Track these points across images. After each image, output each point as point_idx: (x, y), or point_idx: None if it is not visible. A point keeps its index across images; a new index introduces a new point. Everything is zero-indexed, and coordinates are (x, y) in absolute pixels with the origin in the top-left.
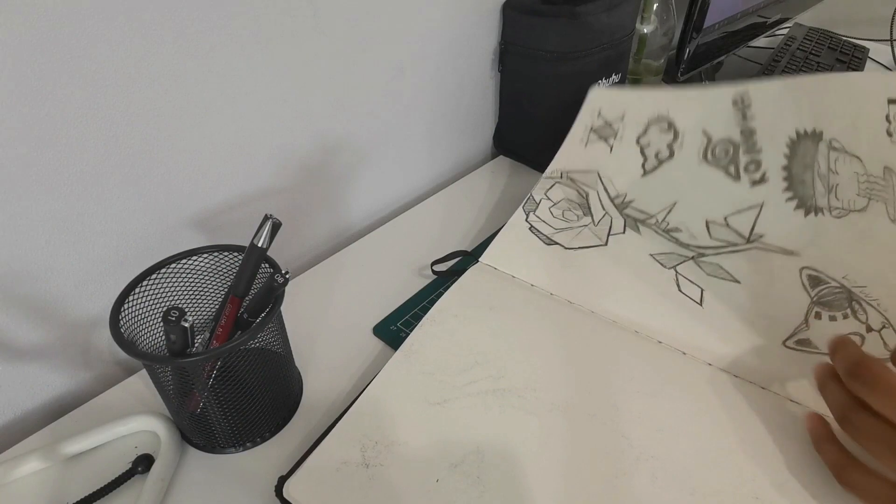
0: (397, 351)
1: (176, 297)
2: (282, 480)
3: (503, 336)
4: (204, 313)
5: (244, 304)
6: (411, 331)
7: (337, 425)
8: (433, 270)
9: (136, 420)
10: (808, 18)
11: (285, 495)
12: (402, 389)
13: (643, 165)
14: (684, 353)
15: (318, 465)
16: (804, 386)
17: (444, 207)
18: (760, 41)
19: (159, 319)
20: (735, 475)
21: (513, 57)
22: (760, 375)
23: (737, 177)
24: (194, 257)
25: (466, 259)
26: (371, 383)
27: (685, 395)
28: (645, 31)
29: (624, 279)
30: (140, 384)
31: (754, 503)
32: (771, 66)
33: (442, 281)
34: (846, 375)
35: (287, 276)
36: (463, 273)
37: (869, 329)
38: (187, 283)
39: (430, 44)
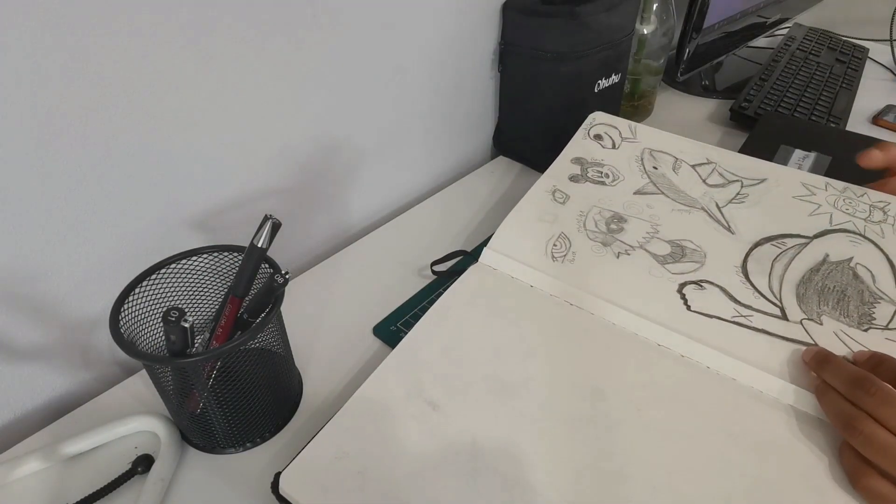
0: (394, 349)
1: (176, 297)
2: (278, 476)
3: (501, 337)
4: (204, 313)
5: (244, 304)
6: None
7: (330, 421)
8: (433, 270)
9: (136, 420)
10: (807, 18)
11: (280, 491)
12: (397, 388)
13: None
14: (683, 356)
15: (312, 460)
16: (800, 390)
17: (444, 207)
18: (760, 41)
19: (159, 319)
20: (736, 482)
21: (513, 57)
22: (760, 378)
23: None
24: (194, 257)
25: (466, 259)
26: (366, 381)
27: (684, 398)
28: (645, 31)
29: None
30: (140, 384)
31: None
32: (771, 66)
33: (442, 281)
34: (851, 387)
35: (287, 276)
36: (462, 273)
37: None
38: (187, 283)
39: (430, 44)
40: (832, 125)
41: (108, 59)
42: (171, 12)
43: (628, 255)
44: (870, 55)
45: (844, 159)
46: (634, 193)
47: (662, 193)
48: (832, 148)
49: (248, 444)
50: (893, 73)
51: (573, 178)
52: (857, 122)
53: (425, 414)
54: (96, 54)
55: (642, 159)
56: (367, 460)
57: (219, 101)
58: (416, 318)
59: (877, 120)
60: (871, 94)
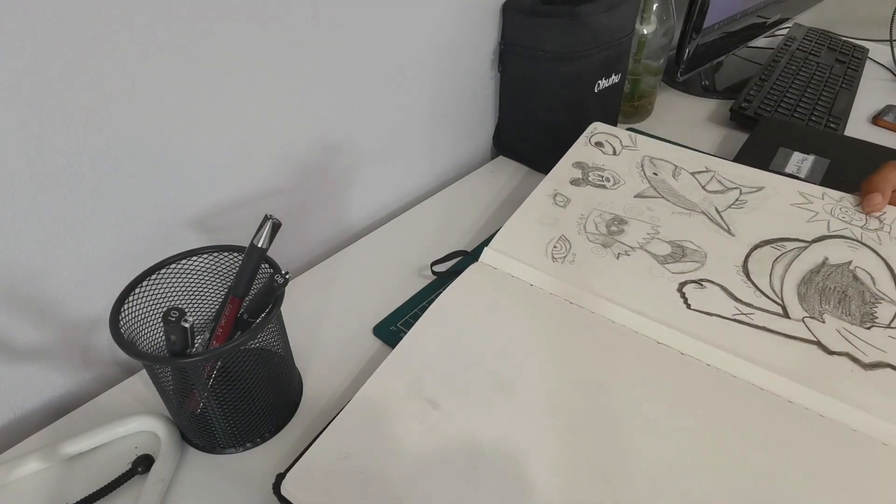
0: (394, 349)
1: (176, 297)
2: (279, 478)
3: (501, 335)
4: (204, 313)
5: (244, 304)
6: None
7: (332, 422)
8: (433, 271)
9: (135, 420)
10: (807, 18)
11: (282, 492)
12: (398, 387)
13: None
14: (682, 354)
15: (315, 461)
16: (803, 387)
17: (444, 207)
18: (760, 41)
19: (159, 319)
20: (734, 479)
21: (513, 57)
22: (760, 375)
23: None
24: (194, 257)
25: (466, 259)
26: (367, 382)
27: (684, 396)
28: (645, 31)
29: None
30: (140, 384)
31: None
32: (771, 67)
33: (442, 281)
34: None
35: (287, 277)
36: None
37: None
38: (187, 283)
39: (430, 44)
40: (832, 127)
41: (108, 59)
42: (171, 12)
43: (628, 255)
44: (870, 55)
45: (843, 162)
46: (635, 197)
47: (663, 197)
48: (831, 151)
49: (248, 444)
50: (893, 73)
51: (574, 182)
52: (857, 123)
53: (426, 413)
54: (96, 54)
55: (642, 165)
56: (368, 460)
57: (219, 101)
58: (416, 318)
59: (877, 120)
60: (871, 95)
